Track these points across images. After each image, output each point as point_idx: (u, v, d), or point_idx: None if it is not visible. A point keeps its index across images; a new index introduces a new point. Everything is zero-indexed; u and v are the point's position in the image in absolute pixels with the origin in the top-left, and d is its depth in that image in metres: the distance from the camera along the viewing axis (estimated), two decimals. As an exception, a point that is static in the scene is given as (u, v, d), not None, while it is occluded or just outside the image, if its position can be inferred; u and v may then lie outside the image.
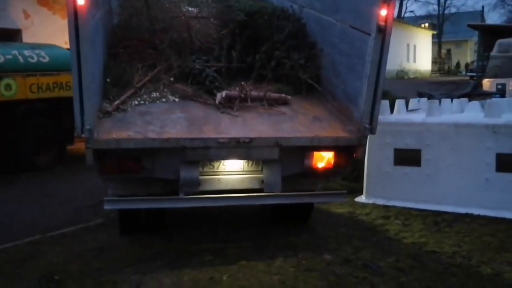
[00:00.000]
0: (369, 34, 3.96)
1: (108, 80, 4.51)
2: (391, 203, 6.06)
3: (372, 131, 4.10)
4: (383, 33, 3.87)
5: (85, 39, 3.48)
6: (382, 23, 3.84)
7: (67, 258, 4.46)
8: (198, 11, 5.78)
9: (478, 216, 5.49)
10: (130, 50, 4.99)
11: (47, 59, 8.58)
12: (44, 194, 7.03)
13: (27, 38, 12.47)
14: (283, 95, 4.73)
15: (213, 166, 4.17)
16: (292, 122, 4.31)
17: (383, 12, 3.82)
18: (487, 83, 13.85)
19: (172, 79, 4.79)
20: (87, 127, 3.58)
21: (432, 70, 46.04)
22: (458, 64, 46.63)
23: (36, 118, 8.51)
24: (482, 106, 6.47)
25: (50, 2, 13.72)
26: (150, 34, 5.25)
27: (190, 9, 6.02)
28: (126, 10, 5.64)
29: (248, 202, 4.33)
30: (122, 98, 4.29)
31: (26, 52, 8.39)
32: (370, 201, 6.23)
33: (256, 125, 4.18)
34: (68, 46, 3.62)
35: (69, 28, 3.45)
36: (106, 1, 5.17)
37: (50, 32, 11.76)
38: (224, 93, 4.44)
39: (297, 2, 5.71)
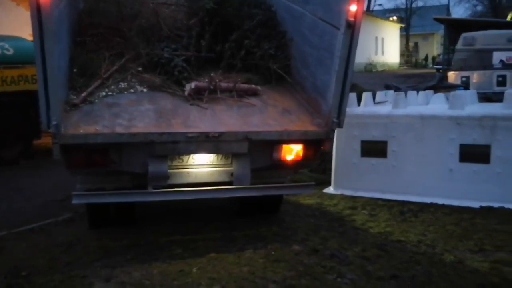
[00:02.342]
0: (339, 29, 4.01)
1: (74, 70, 4.43)
2: (358, 194, 6.19)
3: (339, 125, 4.17)
4: (352, 28, 3.92)
5: (50, 33, 3.40)
6: (352, 19, 3.89)
7: (35, 253, 4.40)
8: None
9: (443, 206, 5.65)
10: (97, 38, 4.88)
11: (11, 52, 8.37)
12: (10, 189, 6.88)
13: (-11, 30, 12.07)
14: (253, 86, 4.72)
15: (182, 160, 4.16)
16: (261, 115, 4.34)
17: (353, 8, 3.88)
18: (452, 76, 14.17)
19: (140, 68, 4.73)
20: (54, 122, 3.52)
21: (400, 63, 46.75)
22: (426, 57, 47.51)
23: (1, 112, 8.27)
24: (447, 98, 6.64)
25: (14, -7, 13.32)
26: (118, 20, 5.14)
27: None
28: None
29: (217, 195, 4.33)
30: (89, 89, 4.21)
31: (-11, 45, 8.17)
32: (338, 192, 6.34)
33: (225, 118, 4.19)
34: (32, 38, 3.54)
35: (32, 23, 3.36)
36: None
37: (14, 24, 11.41)
38: (193, 85, 4.40)
39: None
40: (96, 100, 4.17)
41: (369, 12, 43.61)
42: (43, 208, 5.94)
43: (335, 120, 4.13)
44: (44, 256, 4.32)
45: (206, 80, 4.55)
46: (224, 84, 4.53)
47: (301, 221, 5.22)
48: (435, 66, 30.51)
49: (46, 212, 5.70)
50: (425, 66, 42.87)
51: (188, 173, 4.18)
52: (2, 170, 7.93)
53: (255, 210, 5.22)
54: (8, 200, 6.33)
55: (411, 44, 51.77)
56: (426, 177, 5.94)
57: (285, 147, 4.26)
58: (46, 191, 6.71)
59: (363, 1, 3.97)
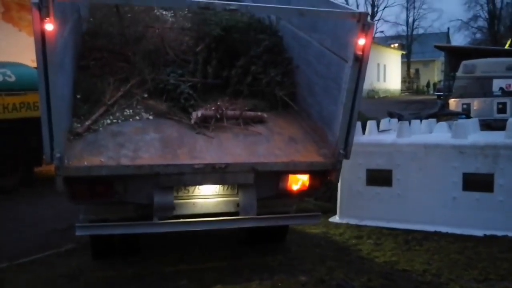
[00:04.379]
0: (346, 61, 3.99)
1: (78, 96, 4.39)
2: (363, 222, 6.14)
3: (346, 156, 4.16)
4: (360, 62, 3.90)
5: (54, 64, 3.37)
6: (360, 53, 3.87)
7: (37, 285, 4.33)
8: (173, 22, 5.64)
9: (447, 234, 5.62)
10: (101, 63, 4.83)
11: (13, 78, 8.28)
12: (11, 218, 6.77)
13: (-9, 56, 12.08)
14: (259, 113, 4.71)
15: (188, 191, 4.12)
16: (267, 144, 4.31)
17: (361, 42, 3.86)
18: (453, 103, 14.23)
19: (145, 95, 4.68)
20: (57, 155, 3.46)
21: (402, 89, 47.07)
22: (428, 84, 47.94)
23: (1, 139, 8.16)
24: (450, 127, 6.66)
25: (16, 19, 13.21)
26: (122, 44, 5.11)
27: (164, 13, 5.84)
28: (96, 19, 5.50)
29: (224, 226, 4.28)
30: (93, 117, 4.18)
31: (-9, 71, 8.13)
32: (344, 221, 6.29)
33: (231, 148, 4.17)
34: (35, 64, 3.50)
35: (37, 54, 3.33)
36: (75, 9, 4.93)
37: (16, 50, 11.43)
38: (199, 113, 4.39)
39: None
40: (101, 128, 4.13)
41: (370, 39, 43.94)
42: (45, 238, 5.85)
43: (341, 151, 4.11)
44: (46, 288, 4.25)
45: (213, 108, 4.53)
46: (230, 112, 4.52)
47: (307, 250, 5.17)
48: (436, 93, 30.73)
49: (48, 242, 5.62)
50: (427, 93, 43.15)
51: (194, 203, 4.15)
52: (2, 198, 7.80)
53: (261, 239, 5.16)
54: (8, 230, 6.24)
55: (412, 70, 52.25)
56: (430, 206, 5.91)
57: (291, 177, 4.24)
58: (47, 220, 6.61)
59: (372, 35, 3.92)
